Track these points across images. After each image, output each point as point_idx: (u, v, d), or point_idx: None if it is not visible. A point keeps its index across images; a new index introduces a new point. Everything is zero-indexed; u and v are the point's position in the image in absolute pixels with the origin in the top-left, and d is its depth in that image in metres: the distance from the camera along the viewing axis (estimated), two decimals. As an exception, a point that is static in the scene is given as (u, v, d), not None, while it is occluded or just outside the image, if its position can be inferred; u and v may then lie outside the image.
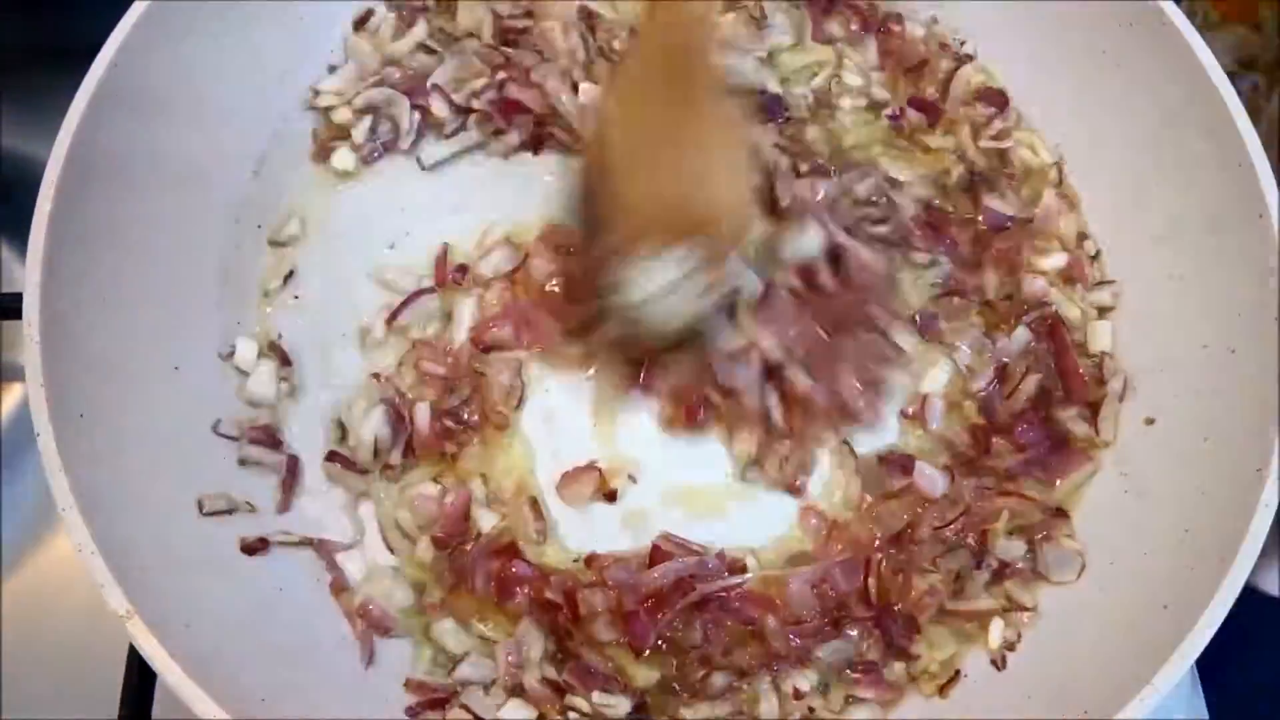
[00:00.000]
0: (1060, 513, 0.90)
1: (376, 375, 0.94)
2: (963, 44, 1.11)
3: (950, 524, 0.89)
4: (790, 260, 0.94)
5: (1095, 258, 1.00)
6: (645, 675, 0.85)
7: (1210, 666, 0.73)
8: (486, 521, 0.90)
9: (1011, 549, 0.89)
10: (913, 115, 1.07)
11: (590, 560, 0.89)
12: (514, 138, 1.05)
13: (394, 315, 0.97)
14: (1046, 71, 1.05)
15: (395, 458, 0.91)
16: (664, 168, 0.81)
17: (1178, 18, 0.91)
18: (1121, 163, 0.99)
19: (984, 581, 0.88)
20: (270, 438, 0.91)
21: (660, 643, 0.85)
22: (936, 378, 0.96)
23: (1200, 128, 0.90)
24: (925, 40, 1.11)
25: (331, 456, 0.91)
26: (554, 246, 1.00)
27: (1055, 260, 1.00)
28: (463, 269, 0.99)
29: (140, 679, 0.82)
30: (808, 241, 0.94)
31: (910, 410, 0.95)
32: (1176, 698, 0.89)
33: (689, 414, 0.93)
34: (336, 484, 0.92)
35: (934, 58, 1.10)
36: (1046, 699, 0.80)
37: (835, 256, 0.94)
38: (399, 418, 0.92)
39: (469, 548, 0.89)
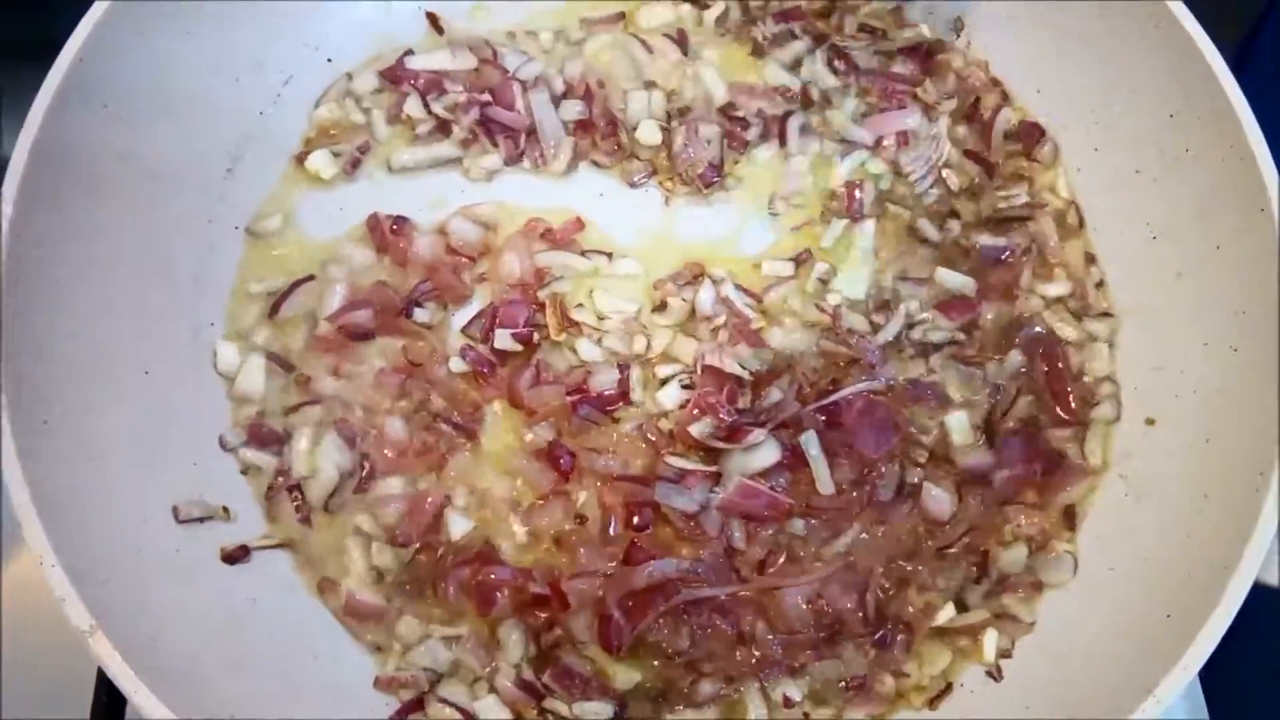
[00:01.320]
0: (1069, 514, 0.89)
1: (299, 405, 0.91)
2: (958, 35, 1.08)
3: (954, 543, 0.87)
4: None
5: (1100, 285, 0.97)
6: (625, 676, 0.83)
7: (1209, 658, 0.71)
8: (458, 528, 0.87)
9: (1013, 559, 0.87)
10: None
11: (560, 540, 0.87)
12: (495, 160, 1.02)
13: (276, 307, 0.94)
14: (1045, 63, 1.03)
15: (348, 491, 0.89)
16: None
17: (1179, 9, 0.88)
18: (1122, 156, 0.97)
19: (982, 594, 0.86)
20: (271, 436, 0.90)
21: (641, 646, 0.83)
22: (959, 423, 0.92)
23: (1202, 121, 0.87)
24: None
25: (292, 490, 0.88)
26: (535, 239, 0.99)
27: (1059, 287, 0.97)
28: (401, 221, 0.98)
29: (109, 695, 0.80)
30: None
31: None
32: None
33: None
34: (274, 522, 0.88)
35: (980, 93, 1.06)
36: (1045, 709, 0.78)
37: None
38: (353, 441, 0.90)
39: (439, 553, 0.87)
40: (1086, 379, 0.94)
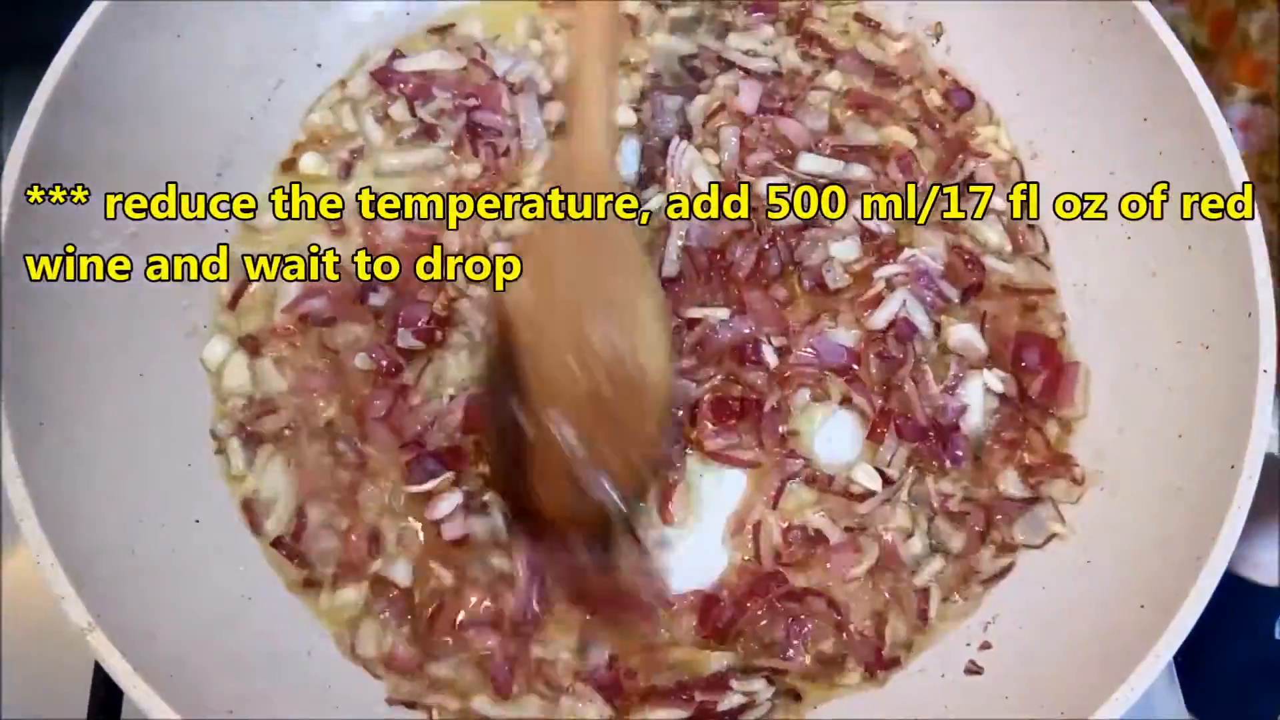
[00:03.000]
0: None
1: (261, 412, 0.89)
2: (937, 40, 1.10)
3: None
4: None
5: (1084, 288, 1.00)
6: (718, 659, 0.83)
7: (1187, 655, 0.73)
8: (401, 574, 0.85)
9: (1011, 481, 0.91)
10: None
11: None
12: (474, 168, 1.02)
13: (235, 299, 0.93)
14: (1020, 68, 1.05)
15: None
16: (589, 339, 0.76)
17: (1151, 15, 0.90)
18: (1095, 159, 0.99)
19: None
20: (252, 441, 0.90)
21: (730, 633, 0.83)
22: None
23: (1173, 123, 0.89)
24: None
25: (277, 543, 0.86)
26: None
27: None
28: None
29: (107, 691, 0.81)
30: None
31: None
32: (1153, 691, 0.89)
33: None
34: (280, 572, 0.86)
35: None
36: (1023, 699, 0.79)
37: None
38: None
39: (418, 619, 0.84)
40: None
